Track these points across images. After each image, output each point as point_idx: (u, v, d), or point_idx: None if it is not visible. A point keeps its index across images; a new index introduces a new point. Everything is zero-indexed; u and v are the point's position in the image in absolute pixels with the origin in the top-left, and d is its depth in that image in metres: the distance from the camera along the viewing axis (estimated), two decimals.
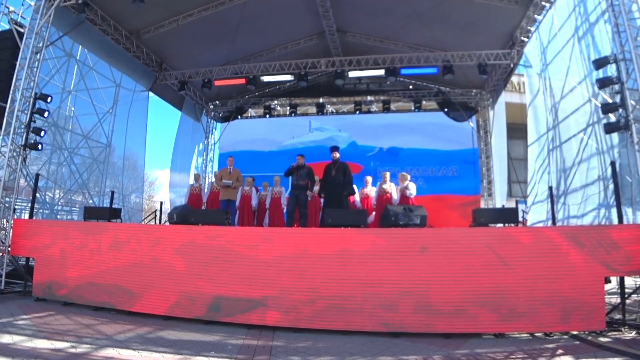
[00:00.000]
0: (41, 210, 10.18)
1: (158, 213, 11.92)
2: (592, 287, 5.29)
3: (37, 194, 8.75)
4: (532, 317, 5.30)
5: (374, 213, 9.65)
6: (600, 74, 7.09)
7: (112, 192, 9.22)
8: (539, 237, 5.63)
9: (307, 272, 5.87)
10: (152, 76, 13.14)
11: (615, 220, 6.49)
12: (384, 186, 9.91)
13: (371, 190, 10.15)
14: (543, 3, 9.57)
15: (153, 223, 12.77)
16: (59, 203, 11.10)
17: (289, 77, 13.36)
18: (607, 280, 6.03)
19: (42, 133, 8.66)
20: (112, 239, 6.74)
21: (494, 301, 5.39)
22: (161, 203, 12.43)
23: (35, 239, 7.28)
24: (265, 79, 13.34)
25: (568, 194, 9.00)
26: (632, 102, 6.47)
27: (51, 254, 7.03)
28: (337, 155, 9.06)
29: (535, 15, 10.00)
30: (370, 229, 6.73)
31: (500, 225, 6.52)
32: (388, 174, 10.13)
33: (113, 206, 8.55)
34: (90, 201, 11.59)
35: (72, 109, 11.25)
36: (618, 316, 5.67)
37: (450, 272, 5.54)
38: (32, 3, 8.90)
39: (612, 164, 6.63)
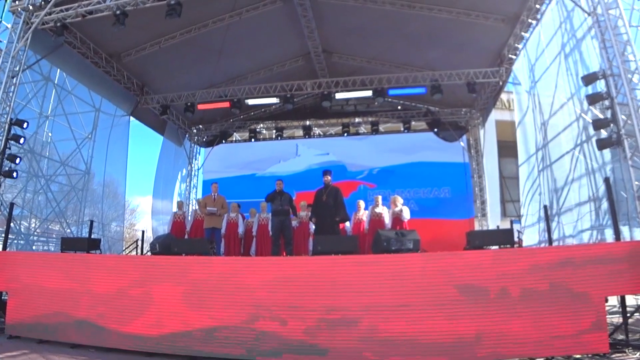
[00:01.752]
0: (16, 241, 9.95)
1: (140, 242, 11.74)
2: (594, 308, 5.26)
3: (12, 224, 8.56)
4: (531, 341, 5.23)
5: None
6: (590, 90, 7.25)
7: (91, 221, 9.07)
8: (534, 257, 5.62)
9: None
10: (133, 100, 13.13)
11: (610, 238, 6.54)
12: (377, 210, 9.90)
13: (364, 215, 10.13)
14: (529, 20, 9.81)
15: (135, 253, 12.55)
16: (35, 233, 10.89)
17: (274, 100, 13.37)
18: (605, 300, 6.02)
19: (18, 160, 8.55)
20: (92, 271, 6.59)
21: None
22: (143, 232, 12.25)
23: (9, 271, 7.05)
24: (250, 102, 13.38)
25: (562, 213, 9.06)
26: (623, 117, 6.61)
27: (26, 287, 6.81)
28: (329, 178, 9.04)
29: (522, 33, 10.25)
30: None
31: (495, 247, 6.51)
32: (380, 198, 10.14)
33: (92, 236, 8.40)
34: (68, 230, 11.39)
35: (50, 134, 11.16)
36: (621, 336, 5.64)
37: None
38: (9, 25, 8.91)
39: (607, 180, 6.70)
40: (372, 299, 5.40)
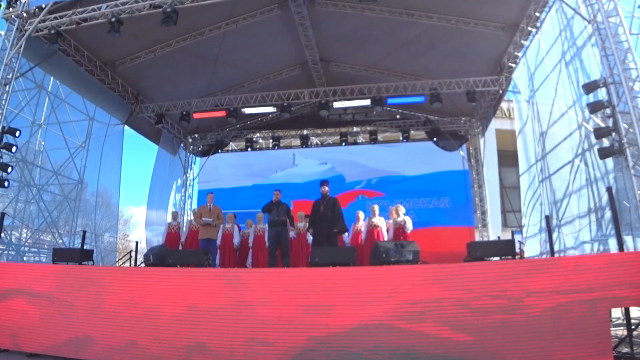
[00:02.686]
0: (6, 252, 9.88)
1: (133, 253, 11.69)
2: (597, 320, 5.21)
3: (2, 234, 8.51)
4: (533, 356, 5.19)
5: None
6: (591, 98, 7.28)
7: (84, 232, 9.02)
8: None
9: None
10: (128, 109, 13.13)
11: (613, 249, 6.51)
12: (374, 220, 9.89)
13: (363, 226, 10.11)
14: (529, 28, 9.87)
15: (128, 264, 12.48)
16: (26, 244, 10.82)
17: (271, 109, 13.38)
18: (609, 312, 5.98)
19: (9, 169, 8.53)
20: (85, 283, 6.53)
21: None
22: (137, 243, 12.22)
23: None
24: (247, 111, 13.40)
25: (562, 225, 9.04)
26: (625, 126, 6.62)
27: (16, 300, 6.74)
28: (327, 189, 8.97)
29: (522, 41, 10.30)
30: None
31: (496, 258, 6.48)
32: (377, 207, 10.12)
33: (85, 247, 8.33)
34: (60, 241, 11.32)
35: (42, 143, 11.14)
36: (625, 349, 5.59)
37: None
38: (2, 33, 8.93)
39: (609, 189, 6.70)
40: None
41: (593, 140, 7.58)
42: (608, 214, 7.15)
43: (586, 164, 8.17)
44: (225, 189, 15.26)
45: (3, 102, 8.54)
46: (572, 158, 8.60)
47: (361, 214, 10.41)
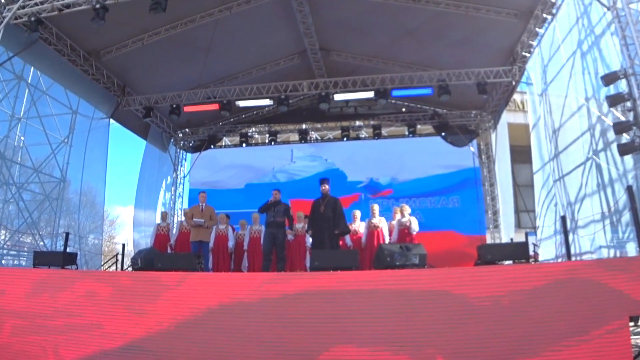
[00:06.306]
0: None
1: (120, 256, 11.69)
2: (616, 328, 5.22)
3: None
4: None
5: None
6: (612, 90, 7.27)
7: (67, 234, 9.05)
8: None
9: None
10: (114, 101, 13.08)
11: (633, 252, 6.51)
12: (374, 221, 9.90)
13: (360, 226, 10.12)
14: (544, 15, 9.85)
15: (114, 269, 12.48)
16: (5, 246, 10.84)
17: (267, 102, 13.36)
18: (632, 319, 5.99)
19: None
20: (71, 289, 6.53)
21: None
22: (123, 245, 12.20)
23: None
24: (241, 104, 13.34)
25: (578, 227, 9.04)
26: None
27: None
28: (327, 187, 8.92)
29: (537, 29, 10.28)
30: None
31: (509, 262, 6.48)
32: (376, 207, 10.13)
33: (68, 249, 8.34)
34: (42, 243, 11.34)
35: (22, 138, 11.15)
36: None
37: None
38: None
39: (629, 188, 6.70)
40: None
41: (611, 136, 7.58)
42: (627, 215, 7.15)
43: (606, 162, 8.15)
44: (218, 188, 15.27)
45: None
46: (588, 155, 8.59)
47: (357, 213, 10.40)
